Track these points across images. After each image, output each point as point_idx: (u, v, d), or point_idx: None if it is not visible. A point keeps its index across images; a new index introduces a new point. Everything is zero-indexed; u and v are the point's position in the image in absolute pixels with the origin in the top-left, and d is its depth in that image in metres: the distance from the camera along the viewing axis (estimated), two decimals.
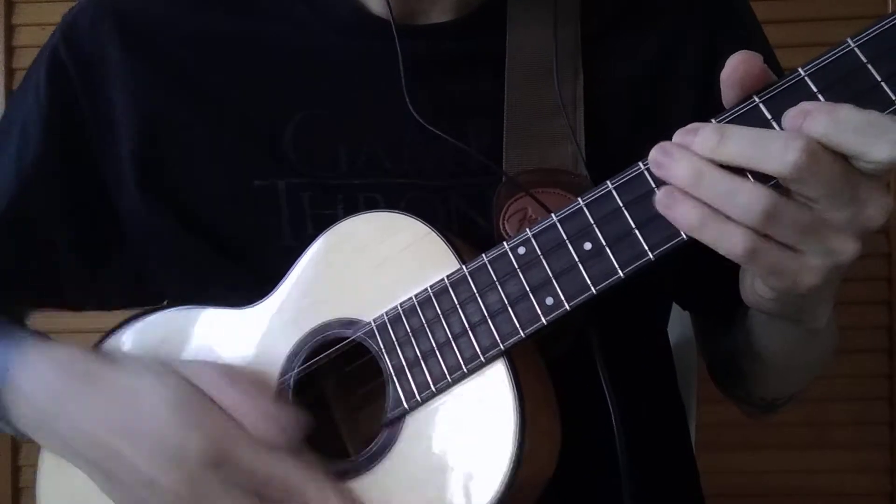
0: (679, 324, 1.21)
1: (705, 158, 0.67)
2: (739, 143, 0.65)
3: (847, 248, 0.66)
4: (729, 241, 0.66)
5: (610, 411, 0.82)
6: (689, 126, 0.68)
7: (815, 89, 0.66)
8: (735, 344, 0.98)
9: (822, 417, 1.83)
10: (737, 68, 0.68)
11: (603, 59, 0.94)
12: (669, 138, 0.73)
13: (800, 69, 0.67)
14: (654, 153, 0.69)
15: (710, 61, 0.94)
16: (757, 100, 0.68)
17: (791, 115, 0.65)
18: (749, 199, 0.65)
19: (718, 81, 0.95)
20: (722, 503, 1.12)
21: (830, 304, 0.81)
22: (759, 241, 0.66)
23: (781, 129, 0.66)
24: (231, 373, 0.83)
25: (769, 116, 0.67)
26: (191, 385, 0.81)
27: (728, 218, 0.66)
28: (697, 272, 0.92)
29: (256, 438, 0.78)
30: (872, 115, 0.63)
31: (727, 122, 0.68)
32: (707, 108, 0.91)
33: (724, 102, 0.69)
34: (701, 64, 0.95)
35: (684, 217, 0.68)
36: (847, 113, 0.63)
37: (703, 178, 0.66)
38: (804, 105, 0.65)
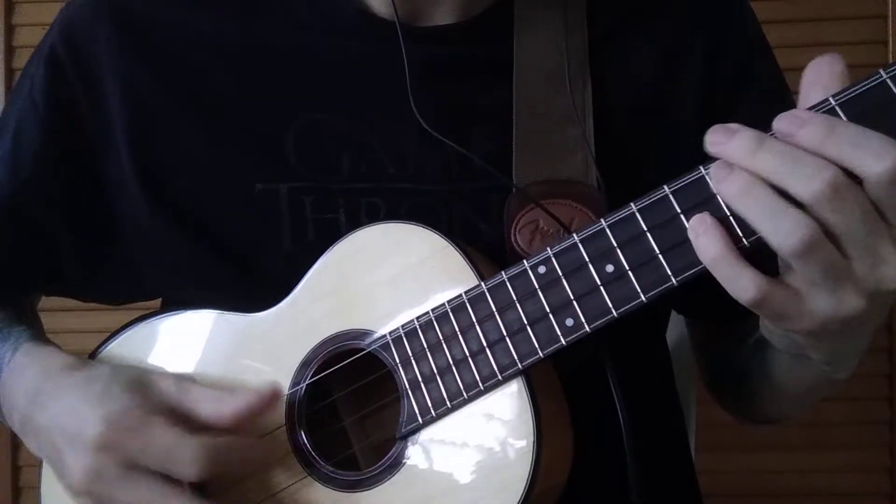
0: (678, 325, 1.21)
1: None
2: (773, 157, 0.64)
3: (851, 302, 0.65)
4: (740, 285, 0.66)
5: (613, 418, 0.82)
6: (727, 126, 0.67)
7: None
8: (747, 367, 0.97)
9: (821, 417, 1.83)
10: (821, 73, 0.67)
11: (608, 66, 0.94)
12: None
13: (881, 71, 0.65)
14: (715, 170, 0.68)
15: (713, 67, 0.95)
16: (833, 102, 0.66)
17: (784, 122, 0.65)
18: (793, 225, 0.63)
19: (722, 86, 0.95)
20: (722, 503, 1.12)
21: (856, 358, 0.81)
22: (768, 289, 0.66)
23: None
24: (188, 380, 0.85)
25: (846, 120, 0.65)
26: (137, 377, 0.84)
27: (744, 260, 0.66)
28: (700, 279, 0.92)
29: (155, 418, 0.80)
30: (867, 131, 0.63)
31: None
32: (711, 113, 0.92)
33: (801, 101, 0.68)
34: (704, 70, 0.95)
35: (706, 247, 0.68)
36: (845, 127, 0.63)
37: (752, 190, 0.65)
38: (798, 113, 0.65)
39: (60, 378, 0.87)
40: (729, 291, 0.67)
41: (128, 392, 0.82)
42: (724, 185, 0.67)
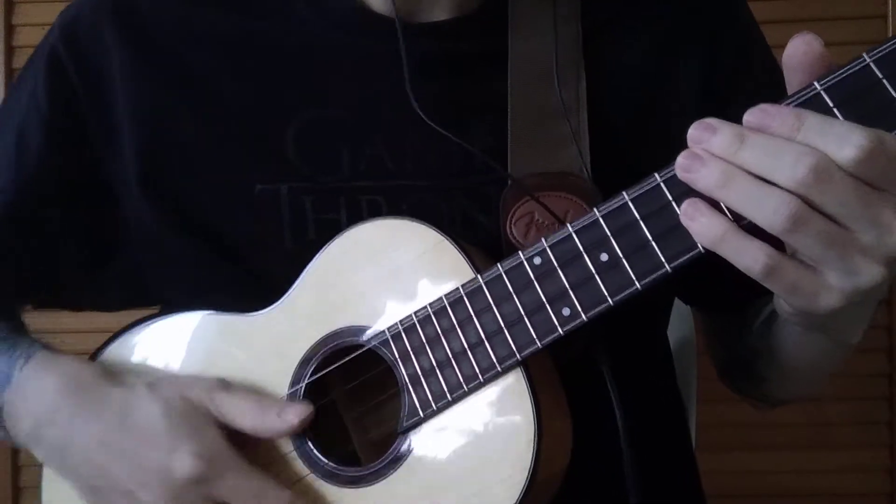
0: (678, 325, 1.21)
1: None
2: (756, 151, 0.65)
3: (870, 271, 0.65)
4: (748, 257, 0.66)
5: (610, 413, 0.83)
6: (707, 121, 0.67)
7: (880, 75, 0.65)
8: (754, 349, 0.98)
9: (822, 417, 1.83)
10: (795, 53, 0.67)
11: (603, 58, 0.94)
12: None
13: (864, 55, 0.66)
14: (682, 158, 0.68)
15: (712, 56, 0.95)
16: (818, 87, 0.66)
17: (754, 116, 0.66)
18: (777, 203, 0.64)
19: (721, 74, 0.95)
20: (722, 503, 1.12)
21: (866, 323, 0.81)
22: (778, 258, 0.66)
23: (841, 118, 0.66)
24: (225, 383, 0.86)
25: (831, 104, 0.66)
26: (183, 398, 0.84)
27: (748, 233, 0.66)
28: (704, 267, 0.92)
29: (242, 460, 0.82)
30: (830, 119, 0.64)
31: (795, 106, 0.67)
32: (710, 102, 0.92)
33: (787, 85, 0.69)
34: (703, 59, 0.95)
35: (707, 229, 0.68)
36: (809, 117, 0.64)
37: (732, 180, 0.66)
38: (766, 107, 0.65)
39: (93, 392, 0.87)
40: (739, 267, 0.67)
41: (190, 422, 0.83)
42: (700, 177, 0.67)
